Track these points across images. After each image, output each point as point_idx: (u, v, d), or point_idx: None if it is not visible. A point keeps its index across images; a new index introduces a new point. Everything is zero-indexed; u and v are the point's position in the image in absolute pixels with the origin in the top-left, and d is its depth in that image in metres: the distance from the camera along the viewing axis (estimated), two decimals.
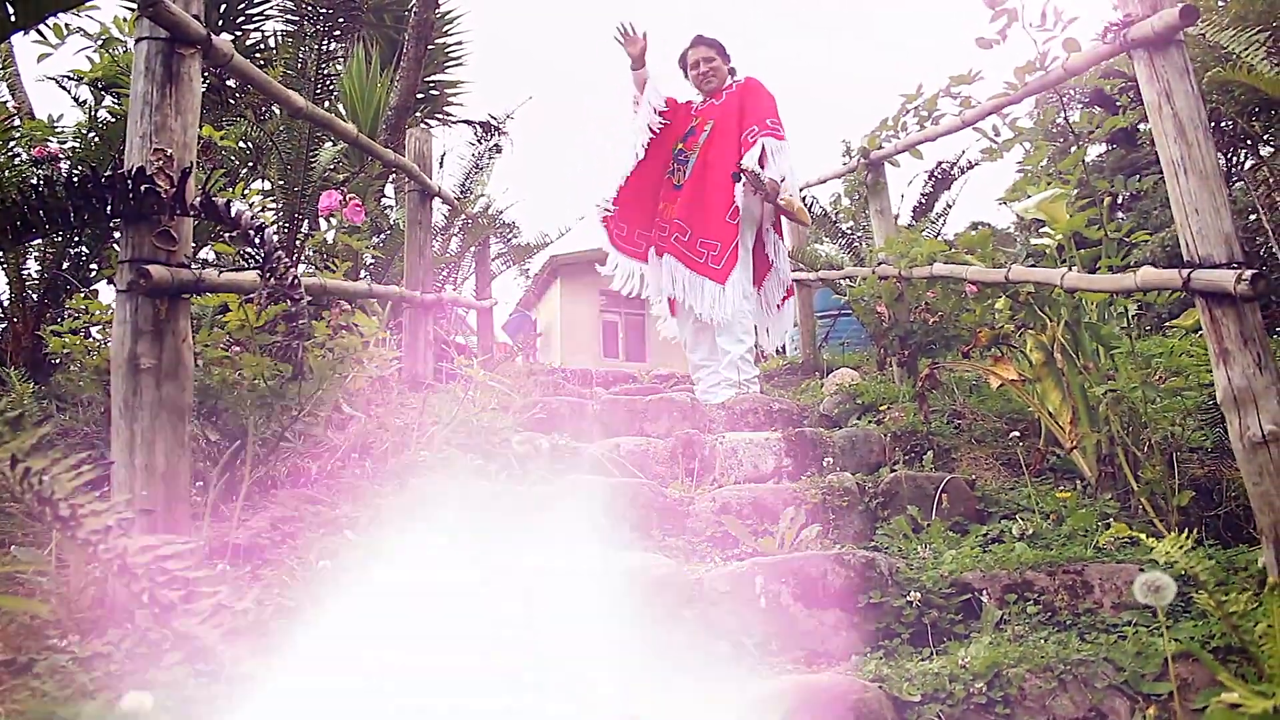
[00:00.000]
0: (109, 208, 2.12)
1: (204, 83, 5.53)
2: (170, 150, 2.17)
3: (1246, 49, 2.95)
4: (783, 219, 5.03)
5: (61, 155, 3.90)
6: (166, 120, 2.20)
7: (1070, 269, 3.03)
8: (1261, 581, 2.17)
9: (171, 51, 2.25)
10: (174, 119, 2.21)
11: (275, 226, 4.75)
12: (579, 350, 12.71)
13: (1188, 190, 2.28)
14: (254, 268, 2.27)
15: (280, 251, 2.06)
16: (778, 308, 5.10)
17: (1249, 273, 2.05)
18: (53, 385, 3.69)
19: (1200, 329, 2.35)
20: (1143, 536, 1.90)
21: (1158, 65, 2.39)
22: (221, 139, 3.39)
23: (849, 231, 7.33)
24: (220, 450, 2.94)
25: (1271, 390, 2.11)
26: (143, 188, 2.04)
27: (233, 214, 2.09)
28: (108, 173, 2.09)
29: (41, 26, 3.12)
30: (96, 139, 3.98)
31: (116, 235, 2.51)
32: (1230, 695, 1.39)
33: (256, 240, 2.05)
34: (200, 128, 3.31)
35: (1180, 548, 1.72)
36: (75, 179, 2.13)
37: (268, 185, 5.03)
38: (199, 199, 2.08)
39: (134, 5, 2.21)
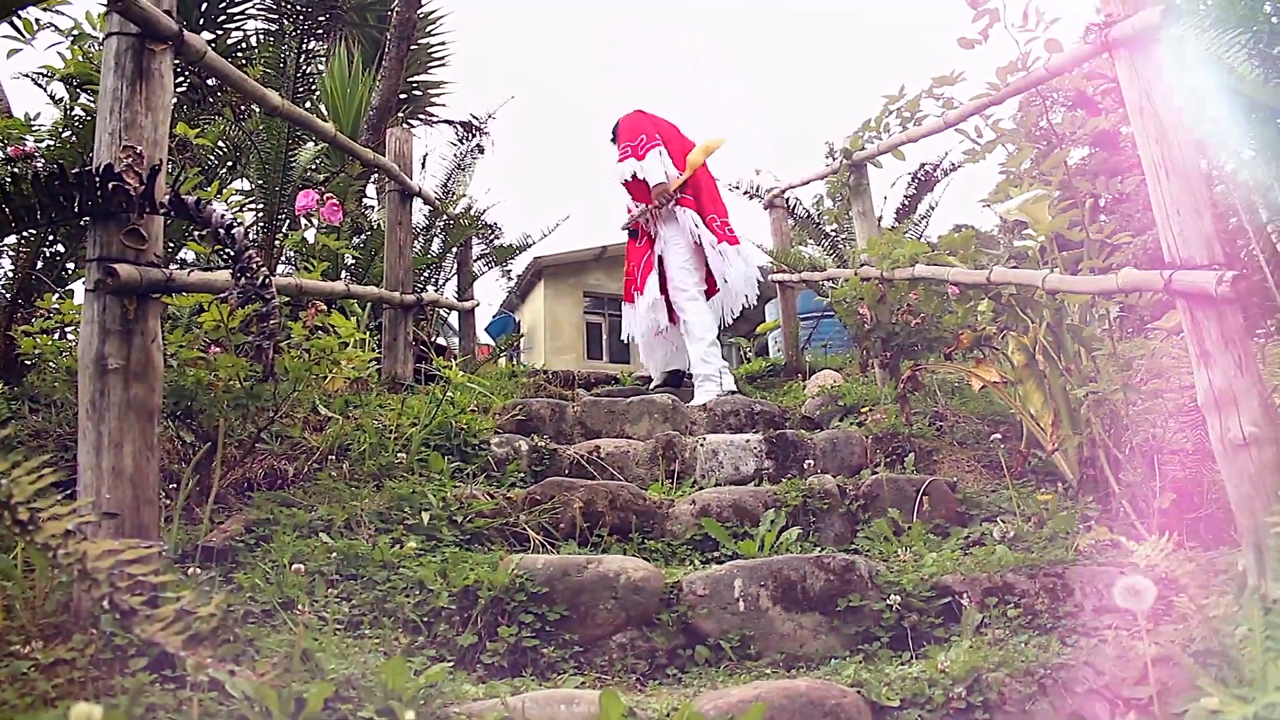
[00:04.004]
0: (77, 205, 2.08)
1: (185, 83, 5.49)
2: (140, 147, 2.13)
3: (1228, 51, 2.95)
4: (717, 187, 5.45)
5: (37, 154, 3.84)
6: (136, 117, 2.16)
7: (1052, 271, 3.02)
8: (1242, 584, 2.15)
9: (142, 47, 2.20)
10: (144, 116, 2.17)
11: (254, 227, 4.70)
12: (563, 352, 12.67)
13: (1169, 192, 2.26)
14: (227, 267, 2.24)
15: (251, 250, 2.02)
16: (723, 254, 5.27)
17: (1230, 274, 2.04)
18: (25, 387, 3.63)
19: (1182, 331, 2.34)
20: (1124, 539, 1.88)
21: (1139, 66, 2.38)
22: (197, 136, 3.35)
23: (833, 234, 7.32)
24: (195, 452, 2.90)
25: (1252, 392, 2.09)
26: (110, 185, 2.00)
27: (203, 212, 2.05)
28: (75, 169, 2.05)
29: (12, 19, 3.07)
30: (73, 138, 3.92)
31: None
32: (1210, 701, 1.37)
33: (227, 238, 2.01)
34: (175, 126, 3.28)
35: (1161, 551, 1.70)
36: (43, 176, 2.09)
37: (247, 186, 4.98)
38: (168, 196, 2.04)
39: (105, 0, 2.17)
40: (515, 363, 7.01)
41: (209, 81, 4.64)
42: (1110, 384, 2.99)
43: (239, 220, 2.01)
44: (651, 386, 5.32)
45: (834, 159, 5.05)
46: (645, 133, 5.36)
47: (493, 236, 6.76)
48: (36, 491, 1.54)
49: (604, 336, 13.70)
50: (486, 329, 10.62)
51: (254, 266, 2.01)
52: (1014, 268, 3.44)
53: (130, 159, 2.10)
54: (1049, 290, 2.88)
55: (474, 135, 6.31)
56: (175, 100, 4.29)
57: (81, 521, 1.52)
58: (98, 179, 2.03)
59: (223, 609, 2.12)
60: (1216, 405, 2.14)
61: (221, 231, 2.00)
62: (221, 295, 2.34)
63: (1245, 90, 2.82)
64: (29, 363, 3.94)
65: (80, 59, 3.20)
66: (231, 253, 2.04)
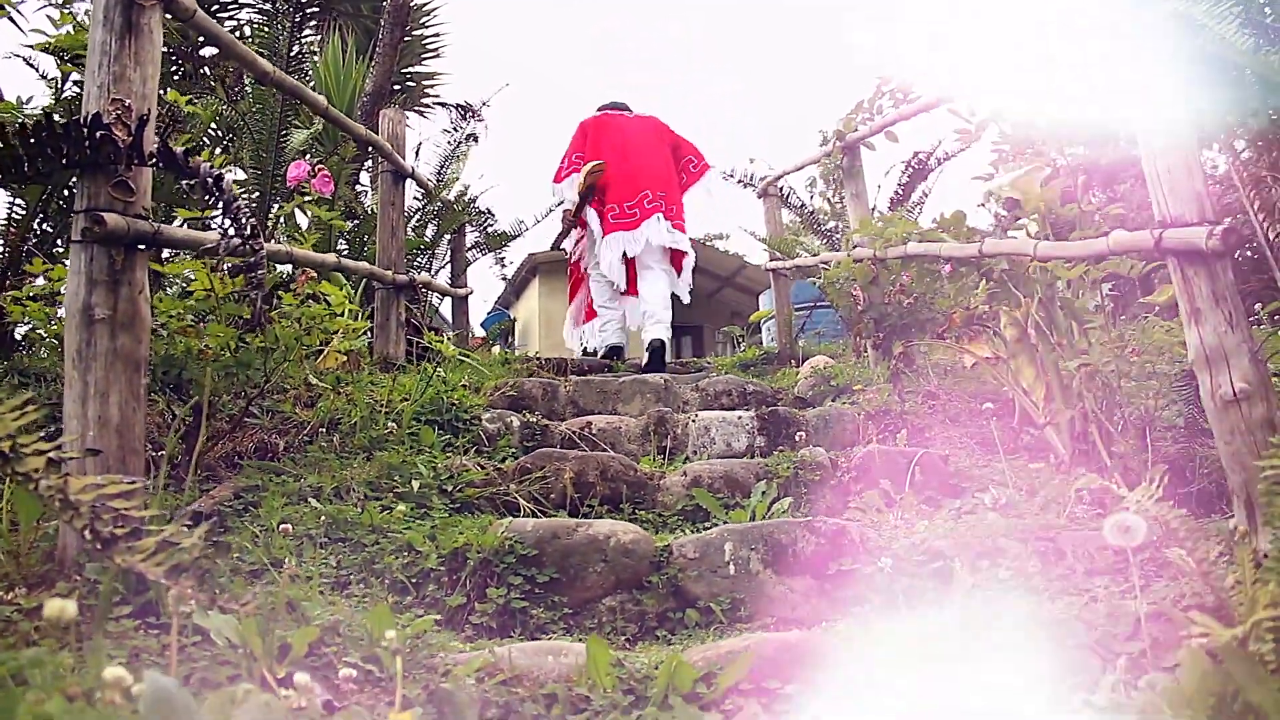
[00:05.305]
0: (65, 157, 2.07)
1: (179, 72, 5.47)
2: (128, 101, 2.11)
3: (1220, 24, 2.94)
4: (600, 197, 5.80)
5: None
6: (125, 71, 2.15)
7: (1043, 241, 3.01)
8: (1233, 545, 2.15)
9: (131, 2, 2.20)
10: (133, 70, 2.16)
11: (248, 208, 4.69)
12: (559, 347, 12.66)
13: (1159, 150, 2.26)
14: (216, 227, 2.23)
15: (239, 201, 2.01)
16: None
17: (1220, 227, 2.04)
18: (15, 361, 3.62)
19: (1175, 314, 2.33)
20: (1113, 486, 1.88)
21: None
22: (188, 103, 3.33)
23: (829, 232, 7.33)
24: (184, 424, 2.89)
25: (1243, 348, 2.09)
26: (98, 134, 1.99)
27: (191, 163, 2.04)
28: (63, 121, 2.04)
29: None
30: (66, 118, 3.90)
31: None
32: (1198, 628, 1.37)
33: (215, 188, 2.00)
34: (165, 91, 3.26)
35: (1152, 496, 1.70)
36: (29, 127, 2.08)
37: (241, 175, 4.97)
38: (156, 147, 2.03)
39: None
40: (508, 351, 7.00)
41: (202, 54, 4.62)
42: (1103, 356, 2.99)
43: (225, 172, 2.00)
44: (645, 364, 5.45)
45: (828, 144, 5.04)
46: (569, 153, 5.91)
47: (486, 223, 6.75)
48: (20, 428, 1.53)
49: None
50: (482, 324, 10.59)
51: (242, 217, 2.00)
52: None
53: (118, 111, 2.08)
54: (1040, 258, 2.87)
55: (469, 119, 6.30)
56: (166, 89, 4.27)
57: (65, 457, 1.51)
58: (85, 129, 2.02)
59: (210, 564, 2.11)
60: (1207, 362, 2.13)
61: (210, 181, 1.99)
62: (209, 250, 2.32)
63: (1237, 60, 2.81)
64: (19, 338, 3.94)
65: (70, 29, 3.17)
66: (220, 204, 2.03)
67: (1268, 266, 3.95)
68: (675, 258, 5.82)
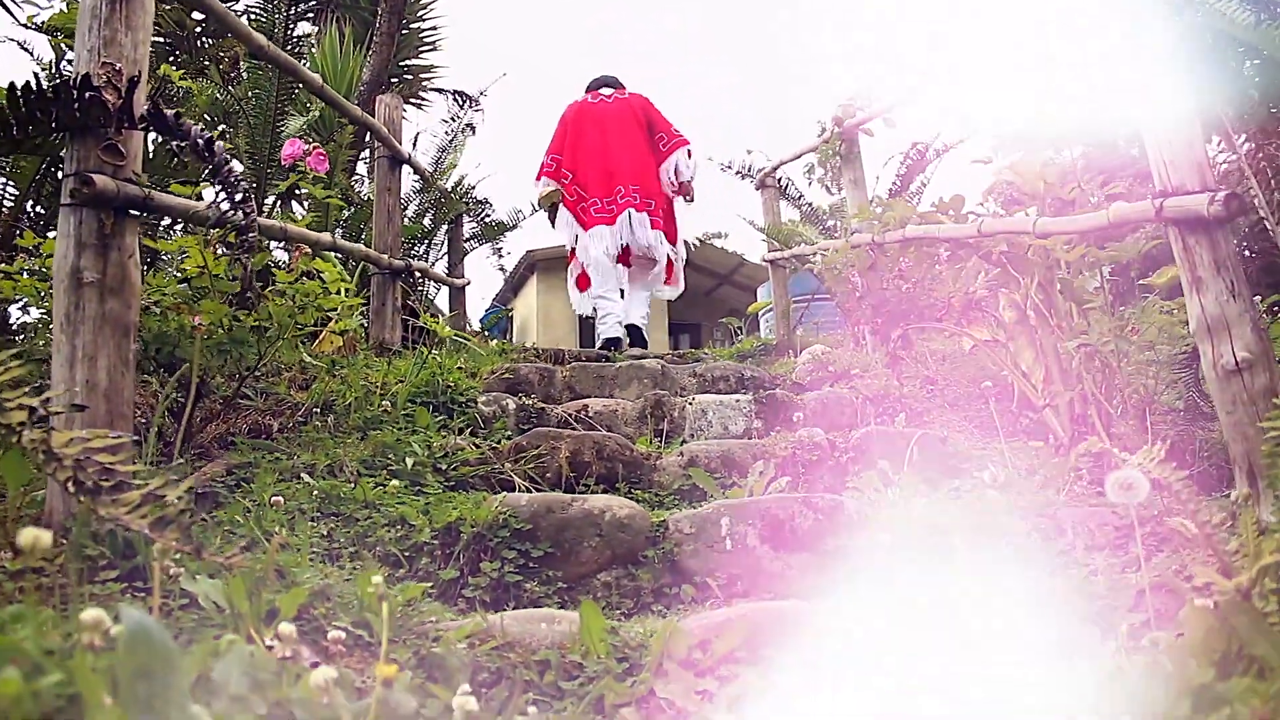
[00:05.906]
0: (54, 121, 2.05)
1: (175, 60, 5.45)
2: (119, 65, 2.09)
3: (1221, 1, 2.93)
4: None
5: None
6: (116, 34, 2.13)
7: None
8: (1235, 518, 2.13)
9: None
10: (124, 34, 2.14)
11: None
12: (557, 343, 12.64)
13: (1160, 122, 2.24)
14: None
15: (231, 165, 1.99)
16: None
17: (1222, 193, 2.02)
18: (6, 343, 3.60)
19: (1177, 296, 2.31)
20: (1114, 450, 1.86)
21: None
22: (181, 78, 3.31)
23: (831, 228, 7.33)
24: (176, 405, 2.87)
25: (1245, 317, 2.07)
26: (88, 96, 1.97)
27: (182, 126, 2.01)
28: (52, 83, 2.02)
29: None
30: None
31: None
32: (1200, 580, 1.35)
33: (206, 151, 1.98)
34: (160, 68, 3.24)
35: (1153, 459, 1.67)
36: (19, 90, 2.06)
37: (239, 167, 4.95)
38: (147, 108, 2.01)
39: None
40: (505, 343, 6.97)
41: (199, 44, 4.60)
42: (1102, 337, 2.97)
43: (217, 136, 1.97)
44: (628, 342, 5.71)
45: (826, 131, 5.02)
46: (549, 150, 5.87)
47: (483, 213, 6.72)
48: (3, 383, 1.51)
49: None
50: (480, 321, 10.57)
51: (234, 181, 1.97)
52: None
53: (109, 74, 2.06)
54: (1040, 235, 2.85)
55: (466, 108, 6.28)
56: (160, 66, 4.25)
57: (50, 412, 1.48)
58: (75, 91, 1.99)
59: (197, 526, 2.08)
60: (1209, 332, 2.12)
61: (200, 143, 1.96)
62: (200, 218, 2.29)
63: (1238, 34, 2.80)
64: (13, 324, 3.92)
65: (63, 7, 3.16)
66: (211, 169, 2.01)
67: (1268, 255, 3.94)
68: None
